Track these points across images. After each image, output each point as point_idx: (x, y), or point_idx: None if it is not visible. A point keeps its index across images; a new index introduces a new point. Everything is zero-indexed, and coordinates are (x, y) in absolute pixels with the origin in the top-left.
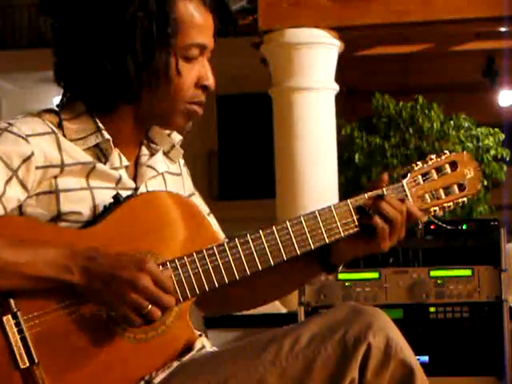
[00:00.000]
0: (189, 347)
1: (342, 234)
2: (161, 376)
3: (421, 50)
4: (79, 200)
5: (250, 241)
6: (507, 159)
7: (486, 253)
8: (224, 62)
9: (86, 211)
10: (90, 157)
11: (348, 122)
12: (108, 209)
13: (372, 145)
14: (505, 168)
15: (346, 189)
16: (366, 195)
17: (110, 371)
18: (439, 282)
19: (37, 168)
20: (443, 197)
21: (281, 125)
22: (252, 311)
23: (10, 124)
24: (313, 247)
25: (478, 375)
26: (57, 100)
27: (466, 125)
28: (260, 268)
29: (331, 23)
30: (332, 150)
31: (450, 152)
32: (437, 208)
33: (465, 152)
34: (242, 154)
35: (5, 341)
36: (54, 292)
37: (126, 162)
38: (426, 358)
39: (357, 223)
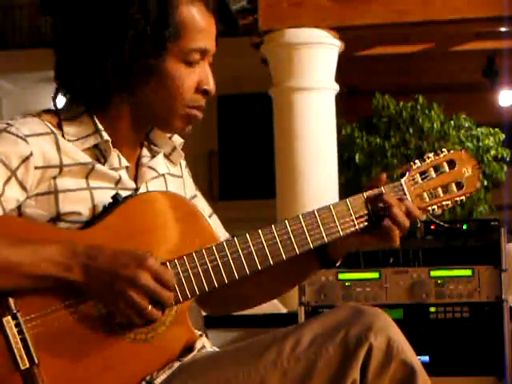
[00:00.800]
0: (189, 347)
1: (341, 232)
2: (162, 377)
3: (421, 50)
4: (78, 200)
5: (249, 240)
6: (507, 159)
7: (486, 253)
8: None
9: (85, 211)
10: (88, 157)
11: (348, 122)
12: (107, 209)
13: (372, 145)
14: (505, 168)
15: (346, 189)
16: (364, 194)
17: (110, 372)
18: (439, 281)
19: (36, 168)
20: (441, 195)
21: (281, 125)
22: (252, 311)
23: (9, 124)
24: (312, 246)
25: (478, 375)
26: (57, 100)
27: (467, 125)
28: (259, 268)
29: (331, 23)
30: (332, 149)
31: (449, 150)
32: (435, 207)
33: (463, 150)
34: (242, 154)
35: (5, 342)
36: (53, 292)
37: (125, 163)
38: (426, 358)
39: (355, 222)
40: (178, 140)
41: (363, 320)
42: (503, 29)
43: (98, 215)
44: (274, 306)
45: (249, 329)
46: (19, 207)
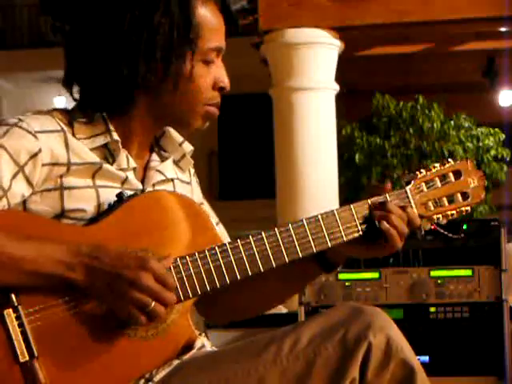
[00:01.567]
0: (189, 346)
1: (344, 238)
2: (161, 374)
3: (421, 50)
4: (83, 198)
5: (251, 242)
6: (507, 159)
7: (486, 253)
8: (224, 62)
9: (90, 209)
10: (97, 157)
11: (348, 122)
12: (112, 207)
13: (372, 145)
14: (505, 168)
15: (346, 189)
16: (368, 201)
17: (109, 368)
18: (439, 281)
19: (43, 165)
20: (447, 205)
21: (281, 125)
22: None
23: (20, 119)
24: (315, 250)
25: (478, 375)
26: (57, 100)
27: (467, 125)
28: (262, 269)
29: (331, 23)
30: (332, 149)
31: (454, 160)
32: (440, 216)
33: (469, 161)
34: (242, 154)
35: (5, 334)
36: (55, 287)
37: (133, 164)
38: (426, 358)
39: (359, 228)
40: (188, 147)
41: (362, 319)
42: (503, 29)
43: (103, 213)
44: None
45: (249, 329)
46: (24, 203)
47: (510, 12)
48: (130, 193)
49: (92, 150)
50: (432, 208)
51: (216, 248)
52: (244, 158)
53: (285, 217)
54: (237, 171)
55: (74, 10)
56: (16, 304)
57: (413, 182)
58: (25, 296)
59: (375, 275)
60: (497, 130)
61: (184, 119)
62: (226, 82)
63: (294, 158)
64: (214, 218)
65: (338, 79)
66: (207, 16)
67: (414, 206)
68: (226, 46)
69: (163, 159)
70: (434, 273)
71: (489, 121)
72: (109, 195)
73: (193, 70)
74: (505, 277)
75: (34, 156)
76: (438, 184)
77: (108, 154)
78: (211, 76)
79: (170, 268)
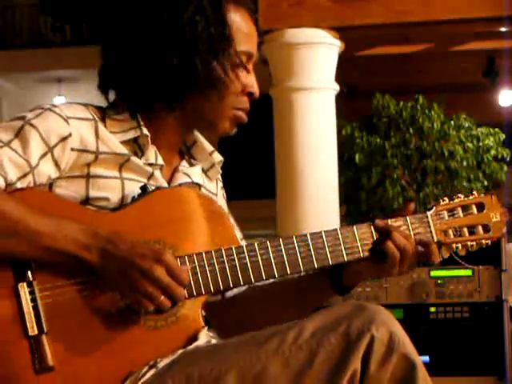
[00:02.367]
0: (195, 337)
1: (362, 253)
2: (165, 361)
3: (421, 49)
4: (109, 187)
5: (268, 247)
6: (507, 159)
7: (486, 253)
8: None
9: (113, 198)
10: (125, 149)
11: (348, 122)
12: (136, 199)
13: (372, 145)
14: (505, 168)
15: (346, 189)
16: (389, 221)
17: (115, 353)
18: (439, 281)
19: (72, 149)
20: (467, 235)
21: (281, 125)
22: None
23: (54, 105)
24: (331, 263)
25: (479, 375)
26: (57, 100)
27: (467, 125)
28: (276, 275)
29: (331, 23)
30: (332, 149)
31: (479, 194)
32: (460, 245)
33: (493, 196)
34: (242, 154)
35: (17, 307)
36: (70, 268)
37: (161, 161)
38: (426, 358)
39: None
40: (217, 157)
41: (365, 314)
42: (503, 29)
43: (125, 204)
44: None
45: None
46: (51, 186)
47: (510, 12)
48: (153, 186)
49: (122, 143)
50: (452, 236)
51: (233, 248)
52: (244, 158)
53: (285, 217)
54: (237, 171)
55: (112, 13)
56: (31, 279)
57: (434, 208)
58: (40, 272)
59: None
60: (497, 130)
61: (211, 123)
62: (255, 88)
63: (294, 158)
64: (238, 232)
65: (338, 79)
66: (238, 20)
67: (433, 231)
68: None
69: (192, 165)
70: (434, 273)
71: (489, 121)
72: (134, 188)
73: (222, 73)
74: (505, 277)
75: (63, 139)
76: (460, 214)
77: (137, 148)
78: (241, 80)
79: (186, 263)
